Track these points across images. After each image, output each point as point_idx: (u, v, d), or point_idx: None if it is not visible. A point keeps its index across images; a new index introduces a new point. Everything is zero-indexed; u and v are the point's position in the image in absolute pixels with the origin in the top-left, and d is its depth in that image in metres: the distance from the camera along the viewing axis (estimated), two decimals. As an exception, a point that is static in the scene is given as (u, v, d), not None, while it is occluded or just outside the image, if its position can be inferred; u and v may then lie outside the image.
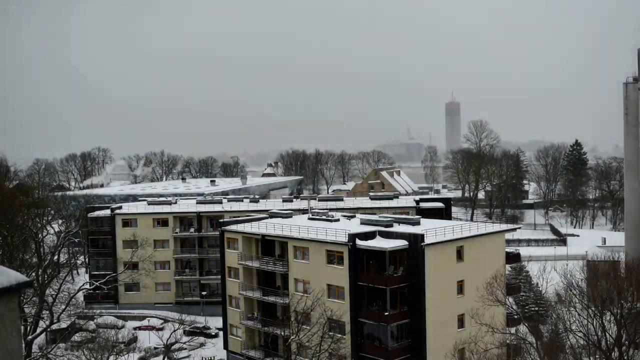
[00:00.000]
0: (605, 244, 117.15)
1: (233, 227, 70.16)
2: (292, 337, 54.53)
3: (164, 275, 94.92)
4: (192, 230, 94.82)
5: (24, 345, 48.80)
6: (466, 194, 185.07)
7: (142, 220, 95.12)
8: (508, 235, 78.96)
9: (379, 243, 55.48)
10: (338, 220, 66.66)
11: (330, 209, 79.30)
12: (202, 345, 79.11)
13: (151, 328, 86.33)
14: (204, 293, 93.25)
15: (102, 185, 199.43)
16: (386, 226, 59.05)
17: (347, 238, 56.15)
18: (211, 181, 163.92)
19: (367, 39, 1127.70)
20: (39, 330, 56.73)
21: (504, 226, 67.89)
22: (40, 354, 56.13)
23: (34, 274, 59.89)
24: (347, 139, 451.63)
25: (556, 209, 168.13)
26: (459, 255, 57.10)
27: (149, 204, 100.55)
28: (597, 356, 45.35)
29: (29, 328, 55.79)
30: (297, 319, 54.95)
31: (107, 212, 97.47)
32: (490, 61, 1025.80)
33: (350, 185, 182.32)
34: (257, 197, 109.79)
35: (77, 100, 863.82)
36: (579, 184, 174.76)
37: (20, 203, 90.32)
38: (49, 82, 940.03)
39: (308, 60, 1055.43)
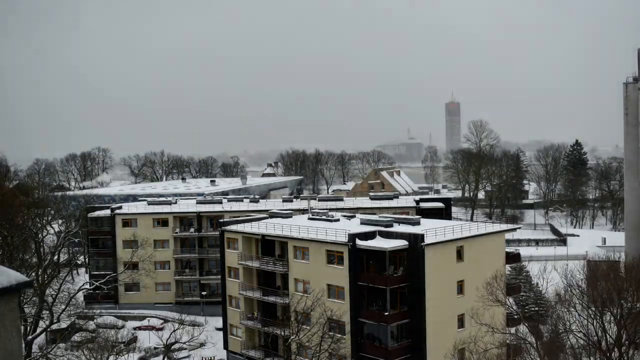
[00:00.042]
0: (605, 244, 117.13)
1: (233, 227, 70.16)
2: (292, 337, 54.53)
3: (164, 275, 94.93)
4: (192, 230, 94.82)
5: (24, 345, 48.80)
6: (466, 194, 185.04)
7: (142, 220, 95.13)
8: (508, 235, 78.95)
9: (379, 243, 55.48)
10: (338, 220, 66.66)
11: (330, 209, 79.29)
12: (202, 345, 79.08)
13: (151, 328, 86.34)
14: (204, 293, 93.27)
15: (102, 185, 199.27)
16: (386, 226, 59.05)
17: (347, 238, 56.15)
18: (211, 181, 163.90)
19: (367, 39, 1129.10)
20: (39, 330, 56.73)
21: (504, 226, 67.88)
22: (40, 354, 56.12)
23: (34, 274, 59.90)
24: (347, 139, 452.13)
25: (556, 209, 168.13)
26: (459, 255, 57.10)
27: (149, 204, 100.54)
28: (597, 356, 45.32)
29: (29, 328, 55.78)
30: (297, 319, 54.94)
31: (107, 212, 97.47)
32: (490, 61, 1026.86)
33: (350, 185, 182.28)
34: (257, 197, 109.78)
35: (77, 100, 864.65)
36: (579, 184, 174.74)
37: (20, 203, 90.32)
38: (49, 82, 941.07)
39: (308, 60, 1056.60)
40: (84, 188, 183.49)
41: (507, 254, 64.02)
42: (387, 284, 53.74)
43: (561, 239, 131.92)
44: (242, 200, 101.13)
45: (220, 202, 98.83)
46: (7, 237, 67.81)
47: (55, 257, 68.28)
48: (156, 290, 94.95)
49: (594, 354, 45.60)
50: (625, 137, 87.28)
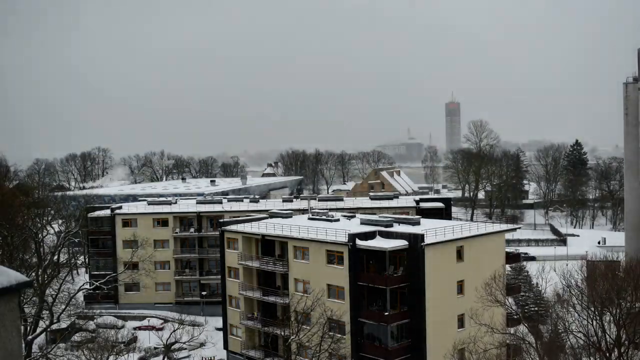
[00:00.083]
0: (605, 244, 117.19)
1: (233, 227, 70.16)
2: (292, 337, 54.54)
3: (164, 275, 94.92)
4: (192, 230, 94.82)
5: (24, 345, 48.82)
6: (466, 194, 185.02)
7: (142, 220, 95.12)
8: (508, 235, 78.95)
9: (379, 243, 55.48)
10: (338, 220, 66.66)
11: (330, 209, 79.29)
12: (202, 345, 79.08)
13: (151, 328, 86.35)
14: (204, 293, 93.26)
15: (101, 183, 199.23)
16: (386, 226, 59.05)
17: (347, 238, 56.15)
18: (211, 181, 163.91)
19: (367, 39, 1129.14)
20: (39, 330, 56.74)
21: (504, 226, 67.86)
22: (40, 354, 56.12)
23: (34, 274, 59.92)
24: (347, 139, 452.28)
25: (556, 209, 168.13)
26: (459, 255, 57.10)
27: (149, 204, 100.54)
28: (596, 357, 45.32)
29: (29, 328, 55.79)
30: (297, 319, 54.95)
31: (107, 212, 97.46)
32: (490, 61, 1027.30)
33: (350, 185, 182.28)
34: (257, 197, 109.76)
35: (77, 100, 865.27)
36: (579, 184, 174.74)
37: (20, 203, 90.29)
38: (49, 82, 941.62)
39: (308, 60, 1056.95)
40: (84, 188, 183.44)
41: (507, 254, 64.04)
42: (387, 284, 53.74)
43: (561, 239, 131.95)
44: (242, 200, 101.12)
45: (220, 202, 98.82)
46: (7, 237, 67.82)
47: (55, 257, 68.29)
48: (156, 290, 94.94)
49: (593, 354, 45.59)
50: (625, 137, 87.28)
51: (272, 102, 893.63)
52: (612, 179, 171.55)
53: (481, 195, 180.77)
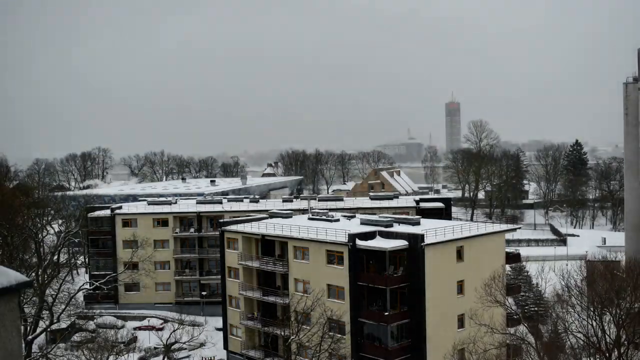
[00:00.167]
0: (605, 244, 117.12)
1: (233, 227, 70.16)
2: (292, 337, 54.54)
3: (164, 275, 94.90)
4: (192, 230, 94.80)
5: (24, 345, 48.83)
6: (466, 194, 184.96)
7: (142, 220, 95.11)
8: (508, 235, 78.93)
9: (379, 243, 55.48)
10: (338, 220, 66.66)
11: (330, 209, 79.29)
12: (202, 345, 79.09)
13: (151, 328, 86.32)
14: (204, 293, 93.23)
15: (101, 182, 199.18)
16: (386, 226, 59.05)
17: (347, 238, 56.16)
18: (211, 181, 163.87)
19: (368, 39, 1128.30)
20: (39, 330, 56.73)
21: (504, 226, 67.89)
22: (40, 354, 56.11)
23: (34, 274, 59.92)
24: (347, 139, 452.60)
25: (556, 209, 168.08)
26: (459, 255, 57.10)
27: (149, 204, 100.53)
28: (596, 357, 45.34)
29: (29, 328, 55.78)
30: (297, 319, 54.95)
31: (107, 212, 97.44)
32: (490, 61, 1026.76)
33: (350, 186, 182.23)
34: (257, 197, 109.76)
35: (77, 100, 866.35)
36: (579, 184, 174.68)
37: (20, 203, 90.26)
38: (49, 82, 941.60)
39: (308, 60, 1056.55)
40: (84, 188, 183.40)
41: (507, 254, 64.03)
42: (387, 284, 53.74)
43: (561, 239, 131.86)
44: (242, 200, 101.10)
45: (220, 202, 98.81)
46: (7, 237, 67.85)
47: (55, 257, 68.28)
48: (156, 290, 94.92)
49: (593, 355, 45.61)
50: (625, 137, 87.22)
51: (272, 102, 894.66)
52: (612, 179, 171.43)
53: (481, 195, 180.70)
